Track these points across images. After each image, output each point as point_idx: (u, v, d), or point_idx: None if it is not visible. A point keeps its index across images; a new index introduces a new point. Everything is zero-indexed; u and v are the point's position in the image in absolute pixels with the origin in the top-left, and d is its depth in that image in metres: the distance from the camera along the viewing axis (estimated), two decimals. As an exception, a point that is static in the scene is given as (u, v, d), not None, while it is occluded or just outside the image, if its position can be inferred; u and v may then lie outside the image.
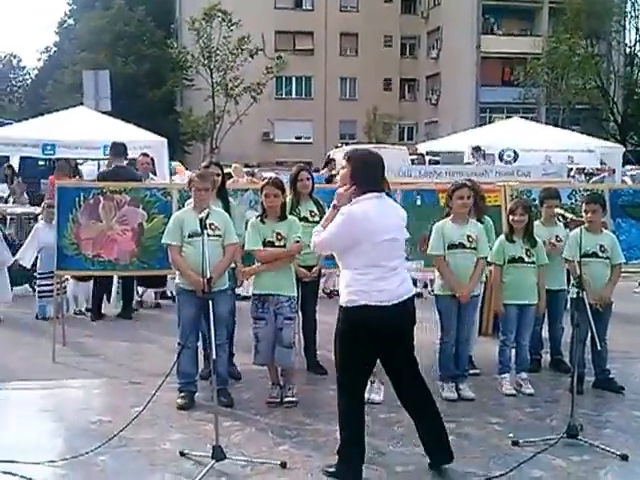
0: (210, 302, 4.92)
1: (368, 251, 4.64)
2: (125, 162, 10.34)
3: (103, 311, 9.69)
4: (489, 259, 6.74)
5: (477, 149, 15.39)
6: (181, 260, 6.09)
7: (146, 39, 43.71)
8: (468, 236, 6.43)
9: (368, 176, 4.73)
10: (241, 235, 6.77)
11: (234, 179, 12.21)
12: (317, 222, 6.64)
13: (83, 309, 9.79)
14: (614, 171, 17.17)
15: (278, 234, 6.20)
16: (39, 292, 9.40)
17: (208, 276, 5.02)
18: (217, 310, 5.12)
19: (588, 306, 5.66)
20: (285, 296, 6.18)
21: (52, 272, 8.09)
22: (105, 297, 9.99)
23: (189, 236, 6.05)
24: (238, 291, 7.92)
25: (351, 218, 4.65)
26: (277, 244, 6.20)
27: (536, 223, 7.15)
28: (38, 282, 9.47)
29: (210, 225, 5.86)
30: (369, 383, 5.87)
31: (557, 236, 7.18)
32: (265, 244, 6.21)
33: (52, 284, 8.52)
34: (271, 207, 6.22)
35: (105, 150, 13.81)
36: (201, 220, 5.18)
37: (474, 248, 6.44)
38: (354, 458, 4.75)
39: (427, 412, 4.93)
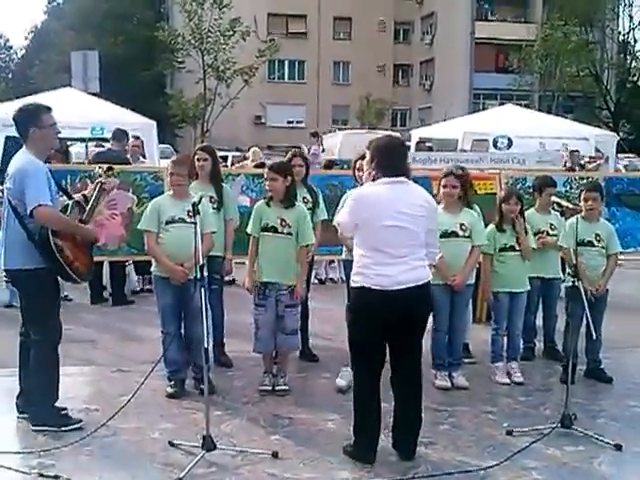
0: (202, 289, 4.82)
1: (371, 234, 4.75)
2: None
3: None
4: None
5: (315, 134, 15.12)
6: (157, 248, 5.99)
7: (136, 20, 43.34)
8: (461, 224, 6.36)
9: (384, 161, 4.81)
10: (233, 218, 6.72)
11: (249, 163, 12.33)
12: (310, 209, 6.61)
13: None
14: (607, 159, 17.11)
15: (283, 220, 6.06)
16: None
17: (200, 262, 4.91)
18: (196, 298, 5.02)
19: (584, 295, 5.61)
20: (286, 285, 6.08)
21: None
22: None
23: (166, 223, 5.95)
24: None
25: (357, 200, 4.85)
26: (280, 230, 6.06)
27: (531, 211, 7.14)
28: None
29: (188, 212, 5.78)
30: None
31: (551, 224, 7.14)
32: (268, 229, 6.08)
33: None
34: (272, 191, 6.09)
35: (93, 131, 13.68)
36: (194, 205, 5.08)
37: (468, 236, 6.37)
38: (367, 439, 4.82)
39: (411, 405, 4.94)
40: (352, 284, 4.86)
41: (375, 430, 4.85)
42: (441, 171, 6.73)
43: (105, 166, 5.99)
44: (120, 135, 10.43)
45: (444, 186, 6.40)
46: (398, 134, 21.52)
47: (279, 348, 6.21)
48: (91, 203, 5.53)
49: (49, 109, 5.23)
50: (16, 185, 5.03)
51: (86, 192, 5.69)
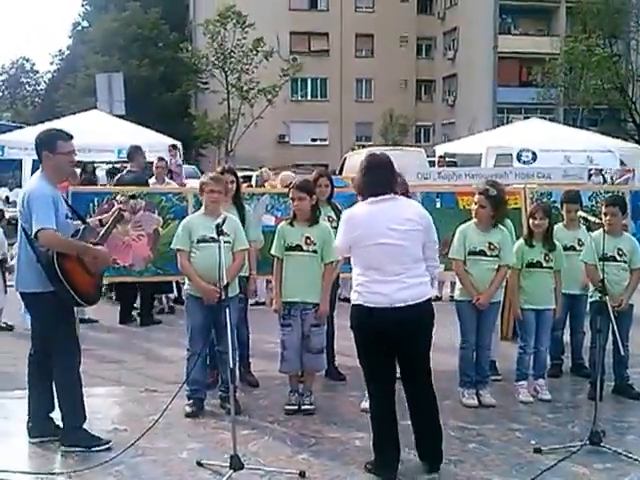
0: (227, 310, 4.85)
1: (363, 253, 4.83)
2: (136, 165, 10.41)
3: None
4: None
5: (174, 146, 14.78)
6: (190, 266, 6.01)
7: (160, 42, 43.81)
8: (490, 243, 6.33)
9: (368, 180, 4.89)
10: (256, 240, 6.74)
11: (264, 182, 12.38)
12: (335, 228, 6.60)
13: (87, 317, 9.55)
14: (634, 172, 16.96)
15: (307, 238, 6.06)
16: None
17: (225, 282, 4.95)
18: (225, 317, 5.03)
19: (611, 311, 5.57)
20: (312, 303, 6.08)
21: None
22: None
23: (198, 241, 5.98)
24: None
25: (347, 221, 4.94)
26: (305, 248, 6.07)
27: (558, 226, 7.07)
28: None
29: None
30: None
31: (579, 240, 7.07)
32: (293, 248, 6.08)
33: None
34: (298, 210, 6.10)
35: (119, 154, 13.83)
36: (217, 226, 5.11)
37: (496, 256, 6.33)
38: (387, 457, 4.85)
39: (427, 420, 4.97)
40: (352, 302, 4.92)
41: (393, 447, 4.86)
42: (467, 186, 6.73)
43: (129, 193, 6.05)
44: (134, 153, 10.41)
45: (475, 203, 6.40)
46: (422, 149, 21.65)
47: (305, 368, 6.20)
48: (106, 228, 5.60)
49: (69, 137, 5.31)
50: (25, 208, 5.13)
51: (103, 217, 5.77)
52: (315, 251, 6.08)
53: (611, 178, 17.72)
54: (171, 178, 12.99)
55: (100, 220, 5.70)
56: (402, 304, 4.71)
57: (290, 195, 6.17)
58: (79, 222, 5.53)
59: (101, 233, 5.55)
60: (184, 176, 13.72)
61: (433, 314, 4.92)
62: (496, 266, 6.35)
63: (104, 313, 9.54)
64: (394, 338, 4.76)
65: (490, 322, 6.50)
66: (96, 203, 7.59)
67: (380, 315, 4.71)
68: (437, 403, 5.00)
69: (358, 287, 4.84)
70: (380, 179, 4.87)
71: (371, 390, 4.98)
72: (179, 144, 15.34)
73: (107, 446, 5.28)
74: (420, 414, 4.96)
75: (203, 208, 6.17)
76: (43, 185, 5.18)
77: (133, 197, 6.06)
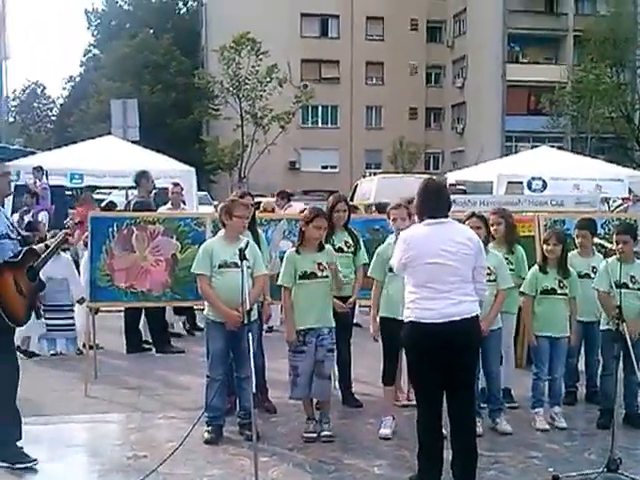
0: (249, 334, 4.90)
1: (417, 272, 5.04)
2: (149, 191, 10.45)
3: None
4: (521, 289, 6.69)
5: (39, 168, 13.31)
6: (211, 291, 6.01)
7: (172, 68, 44.15)
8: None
9: (423, 204, 5.17)
10: (267, 266, 6.76)
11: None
12: (352, 253, 6.65)
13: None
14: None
15: (319, 264, 6.08)
16: (47, 326, 8.97)
17: (248, 307, 5.00)
18: (246, 342, 5.06)
19: (628, 338, 5.60)
20: (327, 328, 6.11)
21: (59, 306, 8.71)
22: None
23: (219, 267, 5.98)
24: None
25: (404, 240, 5.18)
26: (320, 274, 6.08)
27: (573, 253, 7.08)
28: (46, 315, 8.96)
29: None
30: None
31: (593, 267, 7.07)
32: (307, 276, 6.07)
33: (59, 318, 8.89)
34: (318, 239, 6.11)
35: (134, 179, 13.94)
36: (241, 250, 5.18)
37: (493, 280, 6.29)
38: (430, 469, 5.02)
39: (465, 438, 5.08)
40: (404, 319, 5.11)
41: (436, 460, 5.02)
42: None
43: (77, 220, 6.29)
44: (141, 178, 10.24)
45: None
46: (434, 178, 21.68)
47: (313, 394, 6.16)
48: (48, 251, 5.70)
49: (2, 160, 5.56)
50: None
51: (49, 242, 5.89)
52: (327, 276, 6.11)
53: (607, 204, 17.64)
54: (37, 203, 12.82)
55: (46, 245, 5.81)
56: (450, 319, 4.89)
57: (314, 223, 6.08)
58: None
59: (42, 256, 5.64)
60: (49, 201, 13.26)
61: (480, 331, 5.23)
62: (495, 291, 6.30)
63: (119, 340, 9.50)
64: (443, 353, 4.90)
65: (493, 350, 6.45)
66: (115, 228, 7.66)
67: (430, 330, 4.90)
68: (476, 424, 5.27)
69: (410, 304, 5.05)
70: (436, 203, 5.13)
71: (420, 408, 5.14)
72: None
73: (32, 464, 5.35)
74: (459, 431, 5.08)
75: (224, 232, 6.17)
76: None
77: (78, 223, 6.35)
